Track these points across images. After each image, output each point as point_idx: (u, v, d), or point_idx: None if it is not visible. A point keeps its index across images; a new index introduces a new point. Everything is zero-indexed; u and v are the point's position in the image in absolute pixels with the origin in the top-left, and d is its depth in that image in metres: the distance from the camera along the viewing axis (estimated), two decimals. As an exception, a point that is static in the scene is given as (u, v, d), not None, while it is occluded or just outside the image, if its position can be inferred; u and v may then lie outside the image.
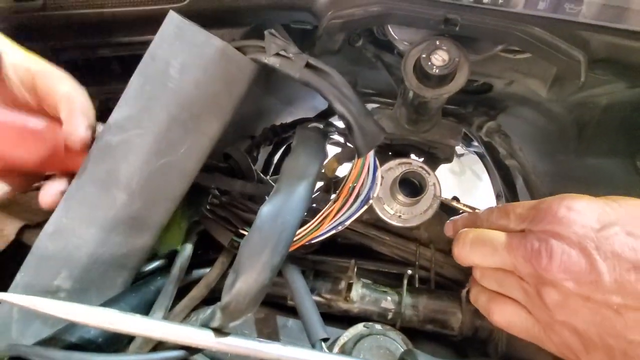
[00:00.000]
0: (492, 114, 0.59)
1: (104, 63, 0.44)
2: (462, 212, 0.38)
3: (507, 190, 0.59)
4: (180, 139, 0.32)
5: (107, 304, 0.32)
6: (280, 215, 0.27)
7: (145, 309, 0.33)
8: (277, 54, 0.30)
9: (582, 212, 0.26)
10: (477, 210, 0.37)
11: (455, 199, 0.65)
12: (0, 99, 0.31)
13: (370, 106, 0.67)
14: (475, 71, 0.48)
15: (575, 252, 0.25)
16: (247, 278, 0.25)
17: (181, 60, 0.30)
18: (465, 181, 1.73)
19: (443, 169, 0.53)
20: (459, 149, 0.92)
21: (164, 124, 0.31)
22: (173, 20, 0.30)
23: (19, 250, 0.37)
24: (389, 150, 0.52)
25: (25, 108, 0.32)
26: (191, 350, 0.27)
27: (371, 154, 0.34)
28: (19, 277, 0.32)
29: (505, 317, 0.30)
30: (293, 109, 0.75)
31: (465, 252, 0.32)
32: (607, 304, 0.24)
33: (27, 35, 0.39)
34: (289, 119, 0.67)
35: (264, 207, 0.27)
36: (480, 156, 0.74)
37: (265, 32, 0.31)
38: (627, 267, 0.24)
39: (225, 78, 0.31)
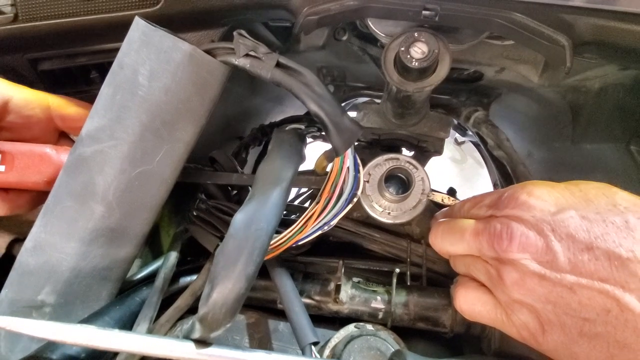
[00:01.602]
0: (486, 103, 0.58)
1: (83, 71, 0.44)
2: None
3: (503, 179, 0.58)
4: (155, 147, 0.31)
5: (91, 318, 0.32)
6: (254, 222, 0.26)
7: (131, 321, 0.33)
8: (247, 55, 0.29)
9: (541, 197, 0.28)
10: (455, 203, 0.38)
11: (452, 190, 0.64)
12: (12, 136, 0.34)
13: (360, 100, 0.66)
14: (464, 59, 0.47)
15: (533, 234, 0.27)
16: (223, 288, 0.25)
17: (149, 67, 0.29)
18: (467, 169, 1.71)
19: (444, 158, 0.52)
20: (460, 137, 0.90)
21: (137, 133, 0.30)
22: (139, 27, 0.29)
23: (10, 264, 0.37)
24: (378, 146, 0.51)
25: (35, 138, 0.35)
26: (174, 362, 0.27)
27: (350, 151, 0.33)
28: (4, 294, 0.32)
29: (468, 301, 0.31)
30: (284, 107, 0.74)
31: (438, 242, 0.34)
32: (561, 283, 0.25)
33: (1, 47, 0.38)
34: (280, 118, 0.66)
35: (237, 215, 0.26)
36: (476, 145, 0.73)
37: (234, 33, 0.30)
38: (580, 247, 0.25)
39: (195, 82, 0.30)
